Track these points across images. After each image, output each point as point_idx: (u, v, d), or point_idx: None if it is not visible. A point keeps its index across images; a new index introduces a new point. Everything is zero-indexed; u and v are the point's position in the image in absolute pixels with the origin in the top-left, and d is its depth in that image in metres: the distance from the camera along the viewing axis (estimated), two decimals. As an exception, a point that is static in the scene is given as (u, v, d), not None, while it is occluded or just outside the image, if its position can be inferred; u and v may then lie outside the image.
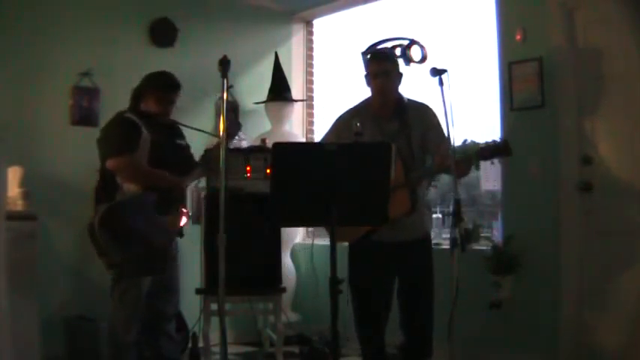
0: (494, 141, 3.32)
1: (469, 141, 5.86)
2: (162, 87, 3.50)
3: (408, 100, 3.64)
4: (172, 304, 3.61)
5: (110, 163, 3.33)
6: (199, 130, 3.68)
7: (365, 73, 3.66)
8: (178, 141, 3.64)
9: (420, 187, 3.57)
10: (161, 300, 3.52)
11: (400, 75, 3.63)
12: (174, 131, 3.64)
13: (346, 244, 4.99)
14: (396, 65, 3.67)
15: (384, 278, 3.58)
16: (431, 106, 3.61)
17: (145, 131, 3.39)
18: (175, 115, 3.62)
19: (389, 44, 5.01)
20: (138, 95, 3.54)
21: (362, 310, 3.59)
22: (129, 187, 3.36)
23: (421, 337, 3.58)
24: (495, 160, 4.28)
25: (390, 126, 3.54)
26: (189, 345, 4.43)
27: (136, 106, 3.52)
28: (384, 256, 3.51)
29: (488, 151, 3.26)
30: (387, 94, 3.56)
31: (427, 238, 3.67)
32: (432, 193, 3.97)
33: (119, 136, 3.38)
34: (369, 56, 3.71)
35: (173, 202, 3.44)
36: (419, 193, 3.51)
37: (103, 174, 3.42)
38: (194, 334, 4.41)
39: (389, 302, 3.61)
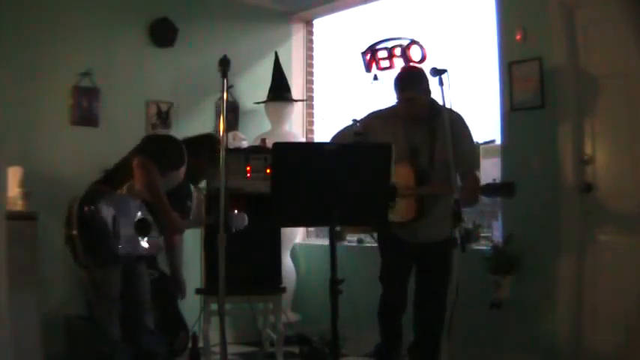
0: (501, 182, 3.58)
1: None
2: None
3: (442, 106, 3.41)
4: (141, 291, 3.49)
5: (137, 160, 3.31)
6: None
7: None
8: (189, 203, 3.80)
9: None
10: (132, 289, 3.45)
11: (429, 91, 3.56)
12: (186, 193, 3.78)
13: (345, 243, 5.08)
14: (421, 84, 3.55)
15: (403, 269, 3.72)
16: (463, 115, 3.64)
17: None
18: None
19: (389, 44, 5.04)
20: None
21: (385, 296, 3.71)
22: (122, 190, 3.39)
23: (429, 334, 3.61)
24: (495, 159, 4.30)
25: (417, 134, 3.57)
26: (189, 345, 4.42)
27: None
28: (405, 251, 3.67)
29: (491, 189, 3.42)
30: (416, 112, 3.57)
31: (446, 241, 3.64)
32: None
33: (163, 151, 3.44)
34: (394, 83, 3.63)
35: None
36: (431, 201, 3.54)
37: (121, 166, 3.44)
38: (194, 334, 4.41)
39: (406, 291, 3.73)
